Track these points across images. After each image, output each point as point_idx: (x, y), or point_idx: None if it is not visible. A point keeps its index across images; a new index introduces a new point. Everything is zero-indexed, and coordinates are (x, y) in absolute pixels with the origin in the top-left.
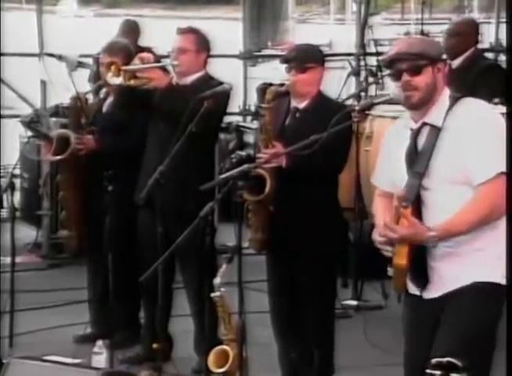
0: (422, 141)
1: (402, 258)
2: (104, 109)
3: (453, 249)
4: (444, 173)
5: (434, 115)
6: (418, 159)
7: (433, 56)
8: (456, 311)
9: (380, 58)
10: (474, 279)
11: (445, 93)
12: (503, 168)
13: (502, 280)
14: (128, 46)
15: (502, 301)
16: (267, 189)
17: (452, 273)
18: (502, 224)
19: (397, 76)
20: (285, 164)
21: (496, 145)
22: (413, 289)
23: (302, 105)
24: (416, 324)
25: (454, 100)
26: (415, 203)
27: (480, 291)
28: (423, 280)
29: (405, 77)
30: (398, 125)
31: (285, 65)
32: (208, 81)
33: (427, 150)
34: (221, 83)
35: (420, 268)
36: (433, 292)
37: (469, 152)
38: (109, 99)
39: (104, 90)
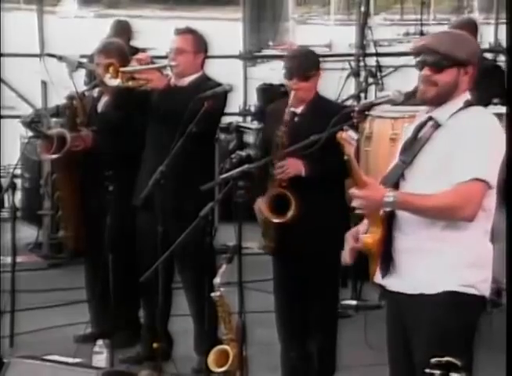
0: (421, 133)
1: (369, 238)
2: (99, 109)
3: (418, 244)
4: (426, 167)
5: (442, 112)
6: (409, 149)
7: (460, 58)
8: (421, 324)
9: (412, 45)
10: (441, 287)
11: (464, 96)
12: (482, 176)
13: (470, 290)
14: (123, 47)
15: (474, 311)
16: (291, 212)
17: (415, 271)
18: (475, 229)
19: (420, 67)
20: (304, 172)
21: (487, 153)
22: (379, 278)
23: (299, 109)
24: (388, 318)
25: (466, 105)
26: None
27: (447, 302)
28: (386, 265)
29: (426, 71)
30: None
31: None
32: (206, 81)
33: (419, 143)
34: (218, 84)
35: (386, 254)
36: (394, 284)
37: (461, 151)
38: (104, 99)
39: (97, 89)
